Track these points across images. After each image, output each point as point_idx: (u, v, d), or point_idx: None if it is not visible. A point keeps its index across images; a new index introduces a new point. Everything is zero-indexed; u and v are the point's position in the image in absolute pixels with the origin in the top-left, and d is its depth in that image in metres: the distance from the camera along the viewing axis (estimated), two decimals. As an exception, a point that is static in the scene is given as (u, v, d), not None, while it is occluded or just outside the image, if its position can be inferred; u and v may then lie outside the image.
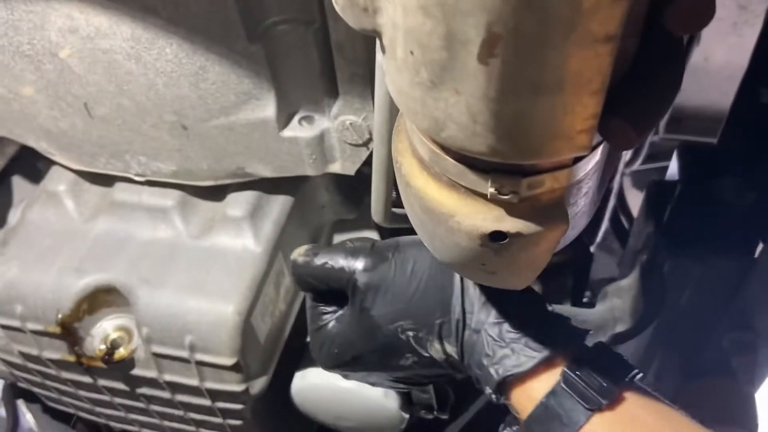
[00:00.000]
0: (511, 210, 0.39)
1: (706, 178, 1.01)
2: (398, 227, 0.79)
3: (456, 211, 0.40)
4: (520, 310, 0.53)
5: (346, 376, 0.65)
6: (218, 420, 0.81)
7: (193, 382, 0.74)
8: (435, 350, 0.55)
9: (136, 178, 0.76)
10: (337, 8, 0.34)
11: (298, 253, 0.61)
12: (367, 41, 0.59)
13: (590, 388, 0.47)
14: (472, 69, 0.30)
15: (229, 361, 0.71)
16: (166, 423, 0.86)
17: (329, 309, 0.61)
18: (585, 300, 1.23)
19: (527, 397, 0.50)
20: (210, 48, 0.62)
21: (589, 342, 0.55)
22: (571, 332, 0.54)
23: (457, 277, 0.55)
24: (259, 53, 0.63)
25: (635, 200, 1.31)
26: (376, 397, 0.79)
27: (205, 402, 0.78)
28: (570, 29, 0.28)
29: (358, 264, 0.57)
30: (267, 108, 0.67)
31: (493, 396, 0.52)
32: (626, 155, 1.12)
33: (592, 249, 1.30)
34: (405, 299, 0.55)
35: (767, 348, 1.01)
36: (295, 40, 0.62)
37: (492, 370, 0.51)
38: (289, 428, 0.90)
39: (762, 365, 1.02)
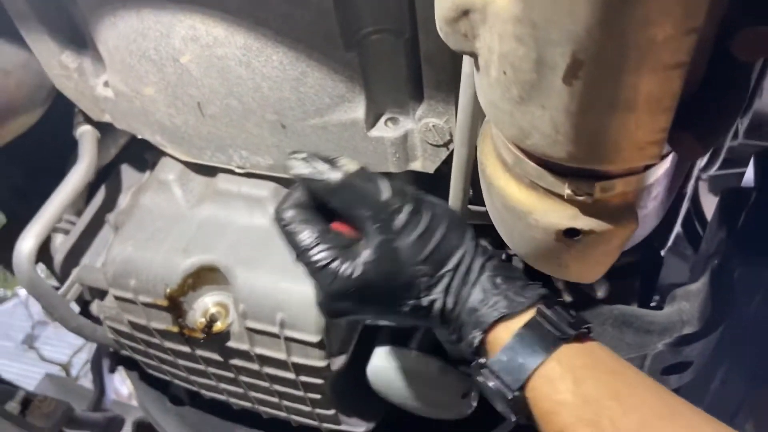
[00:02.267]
0: (585, 209, 0.44)
1: (783, 186, 1.01)
2: (473, 223, 0.84)
3: (534, 209, 0.45)
4: (509, 271, 0.56)
5: (336, 317, 0.61)
6: (299, 393, 0.89)
7: (281, 356, 0.82)
8: (435, 298, 0.55)
9: (237, 170, 0.84)
10: (441, 34, 0.40)
11: (348, 163, 0.58)
12: (453, 53, 0.64)
13: (562, 322, 0.50)
14: (558, 89, 0.35)
15: (314, 338, 0.78)
16: (252, 393, 0.95)
17: (338, 243, 0.56)
18: (653, 304, 1.24)
19: (508, 331, 0.52)
20: (311, 55, 0.69)
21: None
22: (549, 292, 0.56)
23: (468, 232, 0.58)
24: (354, 60, 0.69)
25: (710, 205, 1.31)
26: (448, 381, 0.85)
27: (290, 375, 0.85)
28: (644, 57, 0.33)
29: (404, 203, 0.55)
30: (357, 110, 0.73)
31: (475, 339, 0.54)
32: (702, 160, 1.13)
33: (663, 253, 1.31)
34: (430, 244, 0.55)
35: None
36: (386, 48, 0.69)
37: (486, 310, 0.53)
38: (362, 405, 0.96)
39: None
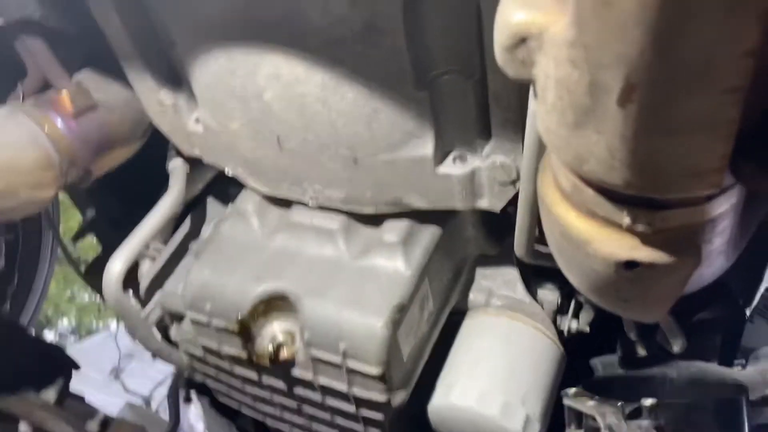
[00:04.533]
0: (645, 240, 0.43)
1: None
2: (539, 264, 0.84)
3: (593, 238, 0.45)
4: None
5: None
6: (360, 428, 0.89)
7: (343, 387, 0.83)
8: None
9: (310, 203, 0.88)
10: (499, 61, 0.41)
11: None
12: (521, 92, 0.66)
13: None
14: (612, 112, 0.36)
15: (375, 371, 0.79)
16: (314, 426, 0.96)
17: None
18: (737, 366, 1.17)
19: None
20: (384, 93, 0.72)
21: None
22: None
23: None
24: (425, 99, 0.72)
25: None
26: (513, 428, 0.83)
27: (351, 408, 0.86)
28: (697, 81, 0.33)
29: None
30: (426, 146, 0.76)
31: None
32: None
33: (748, 311, 1.24)
34: None
35: None
36: (456, 88, 0.71)
37: None
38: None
39: None
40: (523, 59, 0.40)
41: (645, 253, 0.43)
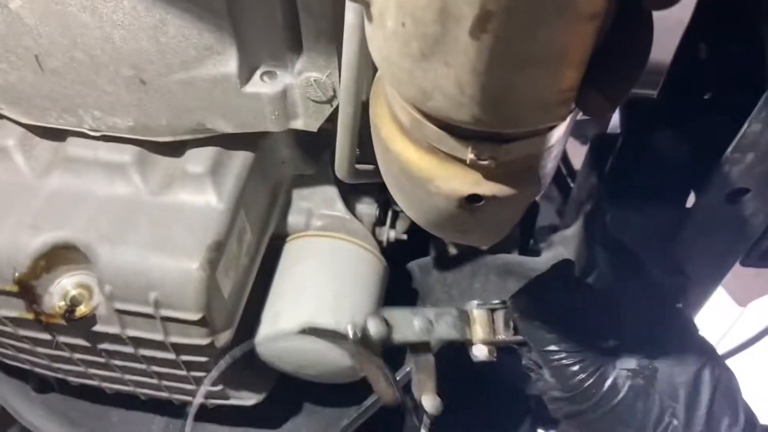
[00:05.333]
0: (488, 174, 0.41)
1: (645, 131, 1.06)
2: (359, 182, 0.81)
3: (435, 175, 0.42)
4: None
5: None
6: (182, 372, 0.82)
7: (158, 336, 0.75)
8: None
9: (91, 133, 0.73)
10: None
11: None
12: (334, -1, 0.59)
13: None
14: (464, 43, 0.31)
15: (195, 317, 0.72)
16: (128, 376, 0.87)
17: None
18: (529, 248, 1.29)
19: None
20: (170, 0, 0.60)
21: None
22: None
23: None
24: (221, 6, 0.61)
25: (575, 151, 1.37)
26: (334, 349, 0.82)
27: (169, 356, 0.78)
28: (560, 8, 0.29)
29: None
30: (228, 63, 0.66)
31: None
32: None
33: (537, 198, 1.36)
34: None
35: (696, 291, 1.09)
36: (258, -8, 0.61)
37: None
38: (251, 377, 0.92)
39: (692, 306, 1.11)
40: (356, -24, 0.33)
41: (488, 187, 0.41)
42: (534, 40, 0.31)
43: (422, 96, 0.36)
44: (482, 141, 0.38)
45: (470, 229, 0.46)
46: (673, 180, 1.05)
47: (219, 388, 0.87)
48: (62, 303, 0.74)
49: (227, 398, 0.90)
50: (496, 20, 0.30)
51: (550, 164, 0.46)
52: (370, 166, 0.77)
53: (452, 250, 1.09)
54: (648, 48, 0.37)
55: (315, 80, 0.67)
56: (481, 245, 0.50)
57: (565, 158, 1.39)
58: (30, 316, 0.75)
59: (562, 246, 1.07)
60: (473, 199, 0.42)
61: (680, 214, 1.04)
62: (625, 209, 1.04)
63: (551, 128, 0.40)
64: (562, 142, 0.45)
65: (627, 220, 1.05)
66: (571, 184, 1.35)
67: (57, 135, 0.75)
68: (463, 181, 0.41)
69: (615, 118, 1.19)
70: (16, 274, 0.71)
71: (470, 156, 0.39)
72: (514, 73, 0.32)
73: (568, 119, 0.43)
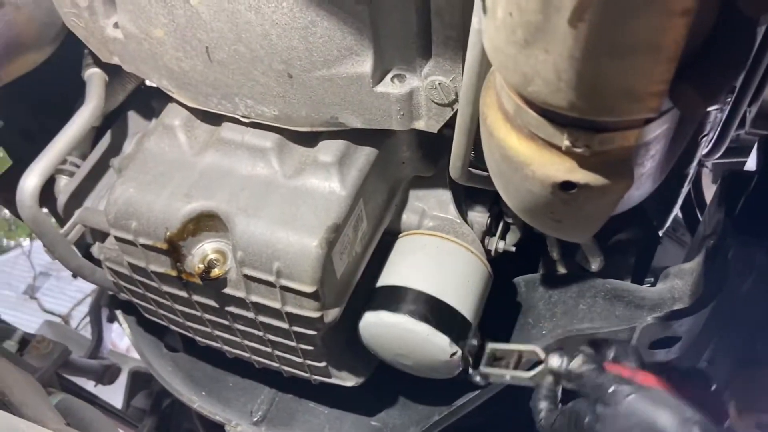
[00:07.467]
0: (582, 163, 0.44)
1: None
2: (472, 186, 0.85)
3: (532, 160, 0.46)
4: None
5: None
6: (292, 343, 0.90)
7: (276, 304, 0.83)
8: None
9: (242, 119, 0.84)
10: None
11: None
12: (464, 9, 0.65)
13: None
14: (562, 31, 0.35)
15: (309, 289, 0.79)
16: (246, 342, 0.96)
17: None
18: (647, 285, 1.25)
19: None
20: (321, 5, 0.69)
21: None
22: None
23: None
24: (364, 12, 0.69)
25: (712, 194, 1.31)
26: (439, 341, 0.86)
27: (283, 325, 0.87)
28: (651, 1, 0.33)
29: None
30: (365, 64, 0.73)
31: None
32: (705, 146, 1.13)
33: (660, 233, 1.32)
34: None
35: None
36: (396, 2, 0.68)
37: None
38: (353, 360, 0.98)
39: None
40: (474, -28, 0.38)
41: (581, 175, 0.44)
42: (626, 30, 0.34)
43: (524, 81, 0.40)
44: (578, 129, 0.42)
45: (563, 218, 0.49)
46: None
47: (322, 364, 0.94)
48: (201, 264, 0.84)
49: (329, 376, 0.97)
50: (592, 10, 0.34)
51: (648, 163, 0.48)
52: (484, 173, 0.81)
53: (561, 269, 1.10)
54: (747, 54, 0.39)
55: (440, 84, 0.73)
56: (572, 239, 0.53)
57: (700, 199, 1.35)
58: (173, 272, 0.86)
59: (678, 278, 1.04)
60: (566, 186, 0.45)
61: (811, 259, 0.98)
62: (750, 247, 1.00)
63: (647, 123, 0.42)
64: (661, 143, 0.47)
65: (751, 259, 1.00)
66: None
67: (214, 119, 0.87)
68: (558, 168, 0.44)
69: (751, 161, 1.14)
70: (168, 234, 0.83)
71: (566, 143, 0.43)
72: (607, 61, 0.36)
73: (668, 121, 0.45)
